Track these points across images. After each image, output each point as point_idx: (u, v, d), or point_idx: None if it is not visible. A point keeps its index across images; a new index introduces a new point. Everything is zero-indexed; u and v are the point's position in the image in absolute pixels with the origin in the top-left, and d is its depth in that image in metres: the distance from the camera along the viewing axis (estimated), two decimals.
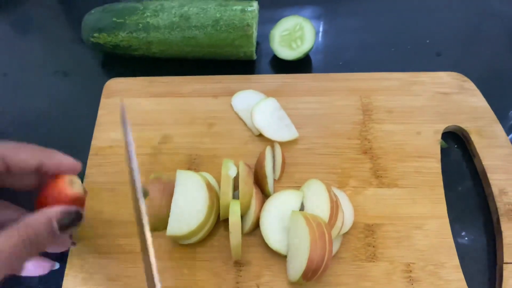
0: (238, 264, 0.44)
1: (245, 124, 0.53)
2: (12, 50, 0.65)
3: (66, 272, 0.44)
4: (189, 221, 0.42)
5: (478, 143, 0.50)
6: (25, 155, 0.36)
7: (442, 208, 0.46)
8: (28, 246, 0.32)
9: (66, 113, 0.57)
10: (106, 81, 0.57)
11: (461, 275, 0.42)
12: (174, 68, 0.59)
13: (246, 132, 0.52)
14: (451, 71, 0.56)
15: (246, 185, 0.44)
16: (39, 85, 0.61)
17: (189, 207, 0.42)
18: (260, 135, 0.51)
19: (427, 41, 0.62)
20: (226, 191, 0.42)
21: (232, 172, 0.44)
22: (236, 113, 0.54)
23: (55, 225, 0.34)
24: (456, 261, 0.43)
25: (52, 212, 0.34)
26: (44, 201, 0.36)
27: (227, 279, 0.43)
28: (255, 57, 0.59)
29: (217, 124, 0.53)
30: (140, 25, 0.55)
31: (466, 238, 0.46)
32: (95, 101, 0.56)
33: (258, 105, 0.52)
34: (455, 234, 0.45)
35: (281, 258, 0.44)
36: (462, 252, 0.44)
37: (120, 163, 0.50)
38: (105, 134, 0.52)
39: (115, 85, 0.57)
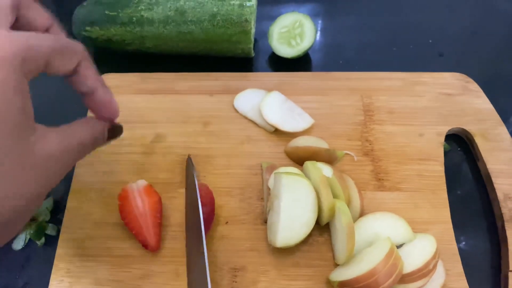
0: (233, 269, 0.42)
1: (242, 123, 0.51)
2: None
3: (51, 276, 0.41)
4: (299, 231, 0.40)
5: (482, 146, 0.49)
6: (67, 62, 0.32)
7: (445, 213, 0.45)
8: (89, 146, 0.34)
9: (55, 110, 0.55)
10: None
11: (465, 283, 0.41)
12: (169, 64, 0.57)
13: (243, 131, 0.50)
14: (454, 71, 0.55)
15: (343, 180, 0.43)
16: None
17: (299, 216, 0.40)
18: (262, 132, 0.49)
19: (430, 41, 0.61)
20: (328, 193, 0.41)
21: (328, 172, 0.43)
22: (237, 112, 0.52)
23: (106, 134, 0.36)
24: (460, 268, 0.42)
25: (105, 122, 0.36)
26: None
27: (222, 285, 0.41)
28: (253, 54, 0.57)
29: (213, 123, 0.51)
30: (134, 18, 0.52)
31: (469, 244, 0.45)
32: None
33: (264, 102, 0.50)
34: (458, 240, 0.44)
35: (278, 263, 0.42)
36: (465, 259, 0.42)
37: (110, 162, 0.48)
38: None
39: (107, 81, 0.53)
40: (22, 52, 0.27)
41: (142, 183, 0.43)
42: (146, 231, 0.41)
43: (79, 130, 0.33)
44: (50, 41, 0.30)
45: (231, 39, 0.53)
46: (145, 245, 0.41)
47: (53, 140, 0.29)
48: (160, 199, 0.43)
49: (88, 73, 0.34)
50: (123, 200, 0.42)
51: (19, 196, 0.27)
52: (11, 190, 0.26)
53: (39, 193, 0.29)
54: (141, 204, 0.42)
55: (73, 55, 0.32)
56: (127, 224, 0.42)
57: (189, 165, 0.47)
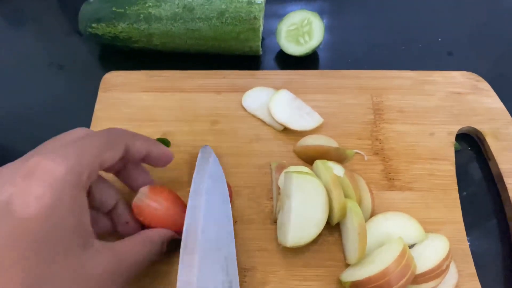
0: (243, 269, 0.41)
1: (250, 122, 0.50)
2: (5, 42, 0.62)
3: None
4: (310, 231, 0.39)
5: (494, 145, 0.48)
6: (140, 143, 0.37)
7: (457, 213, 0.44)
8: (146, 260, 0.34)
9: (61, 107, 0.55)
10: (103, 74, 0.54)
11: (477, 284, 0.40)
12: (176, 62, 0.57)
13: (251, 130, 0.50)
14: (464, 70, 0.54)
15: (354, 180, 0.43)
16: (33, 78, 0.58)
17: (310, 216, 0.40)
18: (271, 131, 0.49)
19: (439, 39, 0.60)
20: (339, 193, 0.40)
21: (339, 172, 0.42)
22: (245, 111, 0.51)
23: (165, 247, 0.37)
24: (472, 268, 0.41)
25: (167, 234, 0.37)
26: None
27: None
28: (260, 52, 0.56)
29: (221, 121, 0.51)
30: (141, 15, 0.52)
31: (480, 245, 0.44)
32: (92, 95, 0.53)
33: (273, 100, 0.49)
34: (469, 241, 0.43)
35: (287, 264, 0.41)
36: (477, 260, 0.42)
37: None
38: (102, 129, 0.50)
39: (113, 78, 0.54)
40: (75, 165, 0.29)
41: (144, 189, 0.41)
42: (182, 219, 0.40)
43: (134, 250, 0.33)
44: (96, 141, 0.32)
45: (239, 37, 0.52)
46: None
47: (106, 259, 0.30)
48: (166, 188, 0.42)
49: (138, 146, 0.36)
50: (142, 215, 0.40)
51: None
52: None
53: None
54: (158, 204, 0.40)
55: (118, 142, 0.35)
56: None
57: (206, 153, 0.44)
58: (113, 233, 0.40)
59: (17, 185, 0.27)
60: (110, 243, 0.31)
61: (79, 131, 0.35)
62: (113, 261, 0.30)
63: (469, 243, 0.43)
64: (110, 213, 0.39)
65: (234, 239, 0.39)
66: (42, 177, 0.27)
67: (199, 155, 0.43)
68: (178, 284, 0.31)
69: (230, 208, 0.40)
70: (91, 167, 0.31)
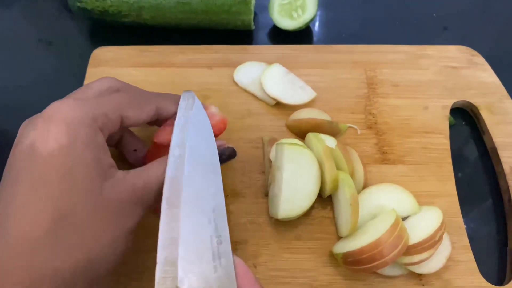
0: (234, 242, 0.41)
1: (242, 96, 0.50)
2: None
3: None
4: (301, 203, 0.39)
5: (488, 119, 0.48)
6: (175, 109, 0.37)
7: (450, 186, 0.44)
8: None
9: (51, 83, 0.54)
10: (93, 50, 0.53)
11: (471, 256, 0.40)
12: (167, 37, 0.56)
13: (243, 105, 0.49)
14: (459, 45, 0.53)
15: (347, 152, 0.42)
16: (22, 55, 0.57)
17: (301, 188, 0.39)
18: (263, 106, 0.48)
19: (434, 14, 0.60)
20: (331, 164, 0.39)
21: (331, 143, 0.42)
22: (237, 86, 0.50)
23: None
24: (466, 241, 0.41)
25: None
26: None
27: None
28: (253, 26, 0.55)
29: (212, 96, 0.50)
30: None
31: (475, 219, 0.44)
32: (81, 71, 0.52)
33: (265, 74, 0.49)
34: (463, 215, 0.43)
35: (279, 237, 0.41)
36: (471, 233, 0.42)
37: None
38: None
39: (103, 54, 0.53)
40: (91, 111, 0.31)
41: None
42: None
43: (162, 168, 0.32)
44: (118, 97, 0.34)
45: (231, 10, 0.51)
46: None
47: (127, 185, 0.31)
48: None
49: (169, 112, 0.37)
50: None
51: (95, 243, 0.29)
52: (86, 239, 0.28)
53: (114, 237, 0.30)
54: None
55: (146, 104, 0.35)
56: None
57: (188, 99, 0.39)
58: None
59: (38, 128, 0.30)
60: (135, 169, 0.32)
61: (102, 81, 0.36)
62: (136, 185, 0.31)
63: (463, 217, 0.42)
64: (118, 145, 0.42)
65: (223, 191, 0.32)
66: (60, 119, 0.30)
67: (181, 100, 0.39)
68: (160, 242, 0.28)
69: (218, 159, 0.35)
70: (109, 116, 0.32)
